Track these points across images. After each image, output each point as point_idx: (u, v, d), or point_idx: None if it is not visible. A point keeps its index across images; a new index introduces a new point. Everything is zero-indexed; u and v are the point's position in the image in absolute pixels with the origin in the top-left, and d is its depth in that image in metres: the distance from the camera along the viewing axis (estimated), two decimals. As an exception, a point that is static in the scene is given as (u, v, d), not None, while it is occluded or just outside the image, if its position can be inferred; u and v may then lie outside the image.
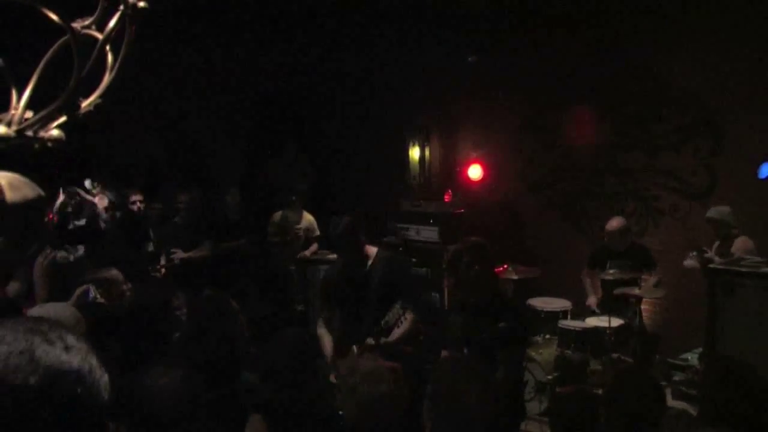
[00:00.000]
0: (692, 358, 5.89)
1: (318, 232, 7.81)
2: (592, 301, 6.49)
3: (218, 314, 3.43)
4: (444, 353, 4.03)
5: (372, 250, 4.43)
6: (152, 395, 2.17)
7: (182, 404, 2.18)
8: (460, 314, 4.08)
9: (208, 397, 2.43)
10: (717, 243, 5.81)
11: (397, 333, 4.10)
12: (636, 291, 5.95)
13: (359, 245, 4.36)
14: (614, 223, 6.33)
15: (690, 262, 5.77)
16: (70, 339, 1.01)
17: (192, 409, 2.20)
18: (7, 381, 0.91)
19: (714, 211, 5.85)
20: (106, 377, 1.03)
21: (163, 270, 6.41)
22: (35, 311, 3.34)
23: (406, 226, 7.49)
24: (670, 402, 5.03)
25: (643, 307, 6.29)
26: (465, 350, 3.87)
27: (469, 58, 7.67)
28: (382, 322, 4.04)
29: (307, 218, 7.89)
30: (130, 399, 2.16)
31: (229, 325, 3.36)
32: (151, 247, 6.56)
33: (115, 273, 3.91)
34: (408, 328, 4.14)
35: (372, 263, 4.36)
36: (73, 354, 0.99)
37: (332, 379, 3.66)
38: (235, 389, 2.87)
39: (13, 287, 4.74)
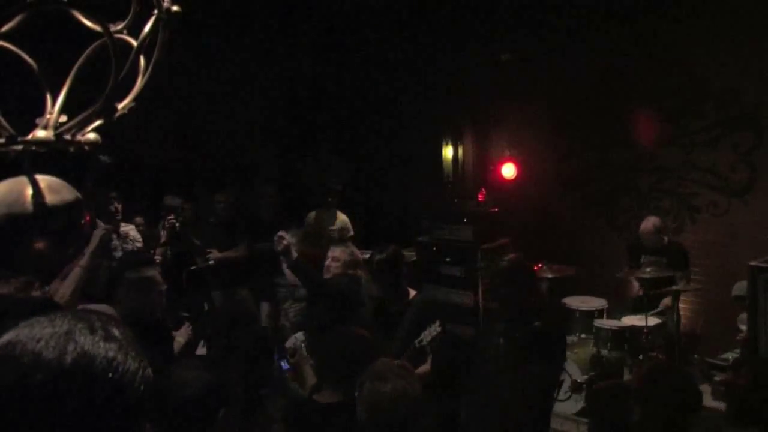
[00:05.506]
0: (732, 358, 5.77)
1: (352, 232, 7.81)
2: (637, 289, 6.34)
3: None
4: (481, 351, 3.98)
5: (411, 292, 4.34)
6: (177, 390, 2.23)
7: (206, 400, 2.24)
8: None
9: (237, 394, 2.48)
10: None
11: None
12: (673, 288, 5.85)
13: (400, 279, 4.28)
14: (648, 223, 6.24)
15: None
16: (114, 330, 1.07)
17: (218, 404, 2.26)
18: (44, 356, 0.98)
19: (739, 288, 5.21)
20: (146, 371, 1.06)
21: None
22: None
23: (440, 224, 7.47)
24: (711, 402, 4.94)
25: (681, 305, 6.18)
26: (500, 349, 3.84)
27: (502, 56, 7.62)
28: (416, 342, 3.80)
29: (341, 218, 7.88)
30: (158, 394, 2.22)
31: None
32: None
33: (152, 272, 3.94)
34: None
35: (409, 303, 4.24)
36: (111, 343, 1.04)
37: None
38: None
39: (54, 288, 4.82)
